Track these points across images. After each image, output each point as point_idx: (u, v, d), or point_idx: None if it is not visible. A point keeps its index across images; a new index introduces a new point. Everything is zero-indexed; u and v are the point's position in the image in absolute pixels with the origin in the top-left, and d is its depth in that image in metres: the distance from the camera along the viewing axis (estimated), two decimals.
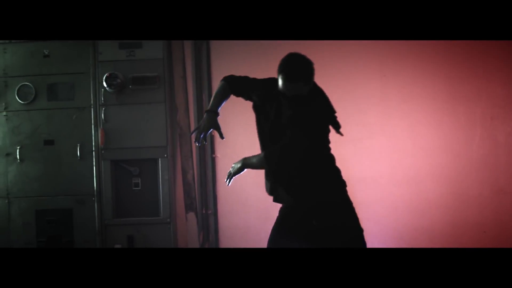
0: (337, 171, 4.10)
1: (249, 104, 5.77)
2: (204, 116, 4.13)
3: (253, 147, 6.03)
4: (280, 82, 3.82)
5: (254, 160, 3.96)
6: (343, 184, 4.07)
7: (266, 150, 3.94)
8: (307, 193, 4.01)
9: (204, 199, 6.60)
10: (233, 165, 4.06)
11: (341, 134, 4.03)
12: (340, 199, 4.03)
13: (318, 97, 3.97)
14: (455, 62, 6.41)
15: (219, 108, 4.14)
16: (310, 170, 3.99)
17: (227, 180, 4.10)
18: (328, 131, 4.04)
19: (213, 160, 6.63)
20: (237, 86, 4.19)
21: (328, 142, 4.07)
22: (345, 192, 4.07)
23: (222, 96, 4.18)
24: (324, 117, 3.97)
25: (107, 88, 6.16)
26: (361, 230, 4.06)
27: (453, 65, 6.41)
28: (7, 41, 6.32)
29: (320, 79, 6.08)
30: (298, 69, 3.82)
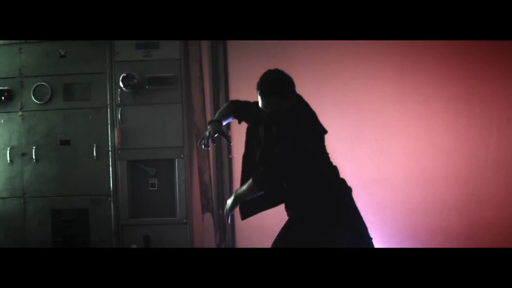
0: (338, 183, 4.09)
1: None
2: (208, 126, 4.15)
3: None
4: (259, 100, 3.88)
5: (245, 188, 3.95)
6: (347, 193, 4.07)
7: (254, 174, 3.91)
8: (308, 208, 4.01)
9: (221, 199, 6.61)
10: (227, 202, 4.05)
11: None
12: (344, 212, 4.03)
13: (303, 111, 3.98)
14: (472, 63, 6.41)
15: (223, 122, 4.15)
16: (306, 185, 3.99)
17: (226, 217, 4.09)
18: (321, 143, 4.03)
19: (230, 160, 6.64)
20: (240, 110, 4.23)
21: (324, 153, 4.07)
22: (350, 202, 4.07)
23: (225, 115, 4.20)
24: (310, 131, 3.95)
25: (123, 88, 6.15)
26: (370, 239, 4.06)
27: (469, 66, 6.42)
28: (22, 41, 6.31)
29: (337, 81, 6.12)
30: (271, 83, 3.89)
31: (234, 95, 6.55)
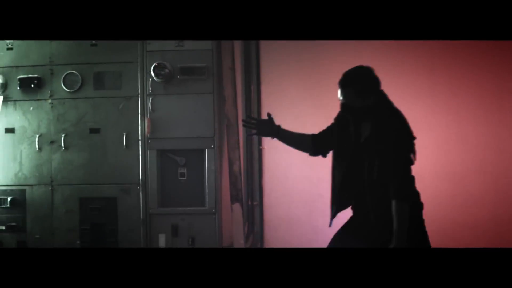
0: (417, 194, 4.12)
1: (297, 100, 5.81)
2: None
3: None
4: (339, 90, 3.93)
5: (398, 225, 3.88)
6: (420, 206, 4.10)
7: (400, 201, 3.87)
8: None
9: (250, 190, 6.62)
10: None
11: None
12: (417, 222, 4.04)
13: (393, 117, 4.00)
14: (503, 59, 6.42)
15: (283, 134, 4.14)
16: None
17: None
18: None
19: (260, 152, 6.64)
20: (319, 137, 4.23)
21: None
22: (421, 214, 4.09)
23: (298, 140, 4.21)
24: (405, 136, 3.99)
25: (154, 78, 6.15)
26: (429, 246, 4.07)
27: (501, 62, 6.43)
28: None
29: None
30: (350, 76, 3.91)
31: (266, 87, 6.59)
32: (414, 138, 4.06)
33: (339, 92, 3.96)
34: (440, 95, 6.44)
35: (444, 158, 6.47)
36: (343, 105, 3.97)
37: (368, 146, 3.96)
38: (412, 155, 4.03)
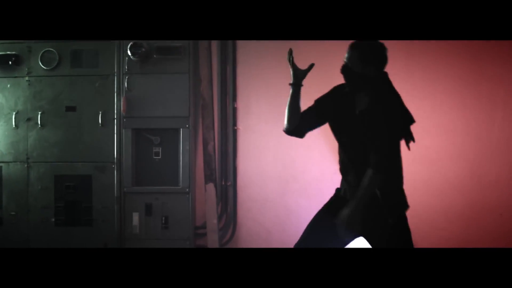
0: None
1: (273, 82, 5.85)
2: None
3: (275, 120, 6.08)
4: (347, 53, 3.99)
5: (364, 191, 3.87)
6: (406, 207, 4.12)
7: (370, 168, 3.85)
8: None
9: (224, 170, 6.63)
10: (343, 213, 3.91)
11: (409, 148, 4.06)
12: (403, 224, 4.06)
13: (392, 94, 4.01)
14: (481, 44, 6.40)
15: (298, 91, 4.11)
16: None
17: (342, 233, 3.94)
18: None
19: (235, 132, 6.63)
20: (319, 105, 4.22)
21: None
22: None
23: (297, 109, 4.16)
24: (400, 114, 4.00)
25: (131, 57, 6.17)
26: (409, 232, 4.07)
27: (478, 47, 6.42)
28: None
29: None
30: (362, 42, 3.99)
31: (241, 68, 6.58)
32: (412, 121, 4.02)
33: (347, 54, 3.95)
34: (416, 80, 6.43)
35: (419, 142, 6.46)
36: (344, 67, 3.95)
37: (363, 119, 3.95)
38: (403, 137, 4.00)
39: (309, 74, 4.06)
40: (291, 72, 4.05)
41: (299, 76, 4.06)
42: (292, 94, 4.07)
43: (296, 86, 4.07)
